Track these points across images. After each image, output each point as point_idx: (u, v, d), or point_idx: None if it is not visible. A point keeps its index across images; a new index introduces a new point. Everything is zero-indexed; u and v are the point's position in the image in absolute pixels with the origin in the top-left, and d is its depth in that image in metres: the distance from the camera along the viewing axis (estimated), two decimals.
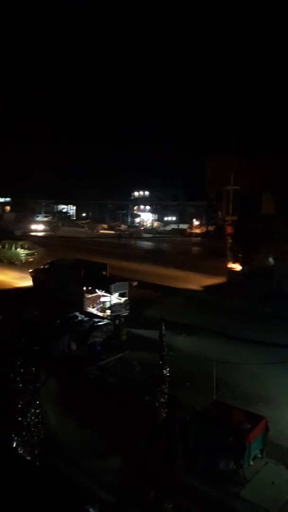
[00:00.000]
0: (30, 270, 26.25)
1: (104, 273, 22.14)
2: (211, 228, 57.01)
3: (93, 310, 19.68)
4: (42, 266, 25.46)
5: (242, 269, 26.50)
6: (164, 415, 6.97)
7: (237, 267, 26.83)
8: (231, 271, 26.75)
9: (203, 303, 23.26)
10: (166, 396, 7.25)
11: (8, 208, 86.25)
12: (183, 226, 61.90)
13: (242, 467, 9.72)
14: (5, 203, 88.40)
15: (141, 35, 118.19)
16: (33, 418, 8.52)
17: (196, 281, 27.77)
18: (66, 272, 22.45)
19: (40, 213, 77.02)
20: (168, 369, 11.09)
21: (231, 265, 26.98)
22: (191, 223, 62.94)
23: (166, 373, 11.03)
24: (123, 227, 63.21)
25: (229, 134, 41.29)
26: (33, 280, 25.40)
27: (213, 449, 9.92)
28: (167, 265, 33.30)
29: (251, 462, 9.91)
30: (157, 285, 26.36)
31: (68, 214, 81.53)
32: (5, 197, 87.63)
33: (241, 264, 26.84)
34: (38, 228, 59.60)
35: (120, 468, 7.58)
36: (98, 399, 8.59)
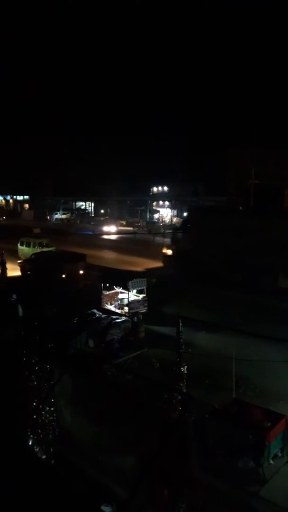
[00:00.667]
0: (19, 261, 28.58)
1: (82, 262, 26.00)
2: None
3: (111, 307, 19.65)
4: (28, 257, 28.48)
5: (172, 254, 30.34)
6: (178, 413, 6.83)
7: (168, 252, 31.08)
8: (165, 255, 31.04)
9: None
10: (180, 395, 7.10)
11: (26, 205, 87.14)
12: None
13: (261, 466, 9.53)
14: (24, 201, 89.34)
15: (162, 26, 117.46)
16: (47, 415, 8.51)
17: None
18: (47, 262, 25.69)
19: (58, 211, 77.54)
20: (186, 366, 10.97)
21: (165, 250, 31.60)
22: None
23: (184, 371, 10.91)
24: (141, 223, 63.08)
25: (250, 126, 40.80)
26: (21, 270, 27.69)
27: (232, 447, 9.76)
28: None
29: (271, 461, 9.72)
30: None
31: (87, 211, 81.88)
32: (24, 194, 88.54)
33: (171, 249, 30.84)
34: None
35: (134, 466, 7.49)
36: (114, 397, 8.50)
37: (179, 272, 26.89)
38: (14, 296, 17.61)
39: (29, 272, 26.63)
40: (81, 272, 26.11)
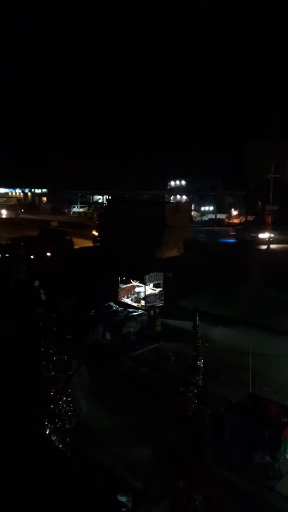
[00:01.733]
0: None
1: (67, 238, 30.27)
2: (250, 218, 55.79)
3: (128, 301, 19.70)
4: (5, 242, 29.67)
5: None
6: (194, 406, 6.82)
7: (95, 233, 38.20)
8: (93, 236, 38.48)
9: None
10: (197, 388, 7.09)
11: (44, 199, 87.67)
12: (221, 216, 60.82)
13: (277, 461, 9.49)
14: (42, 194, 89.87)
15: (182, 25, 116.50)
16: (64, 406, 8.59)
17: None
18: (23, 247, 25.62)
19: (76, 204, 77.86)
20: (202, 360, 10.94)
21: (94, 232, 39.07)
22: (229, 213, 61.75)
23: (200, 365, 10.87)
24: None
25: (270, 119, 40.14)
26: None
27: (248, 442, 9.74)
28: None
29: (287, 456, 9.64)
30: None
31: (104, 205, 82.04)
32: (42, 188, 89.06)
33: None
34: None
35: (151, 457, 7.52)
36: (130, 389, 8.55)
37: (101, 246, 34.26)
38: (37, 282, 17.94)
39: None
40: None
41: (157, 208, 33.23)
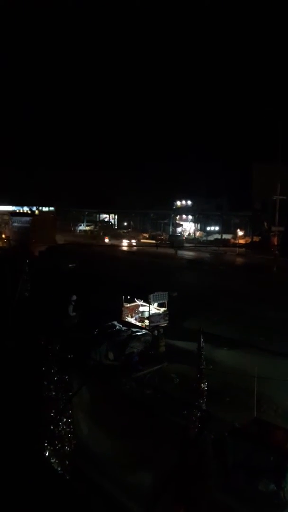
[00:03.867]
0: None
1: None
2: (256, 238, 55.79)
3: (132, 320, 19.54)
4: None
5: None
6: (197, 430, 6.66)
7: None
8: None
9: None
10: (199, 412, 6.93)
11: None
12: (227, 236, 60.93)
13: (283, 489, 9.17)
14: (49, 212, 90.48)
15: (186, 45, 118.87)
16: (65, 427, 8.43)
17: None
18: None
19: (82, 222, 78.37)
20: (206, 383, 10.77)
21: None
22: (235, 233, 61.89)
23: (204, 387, 10.71)
24: (164, 236, 63.04)
25: (276, 140, 40.48)
26: None
27: (252, 468, 9.45)
28: None
29: None
30: None
31: (110, 223, 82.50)
32: (49, 206, 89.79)
33: None
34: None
35: (152, 483, 7.32)
36: (132, 411, 8.38)
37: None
38: (74, 297, 18.53)
39: None
40: None
41: (29, 218, 52.85)
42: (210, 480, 6.82)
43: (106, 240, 55.17)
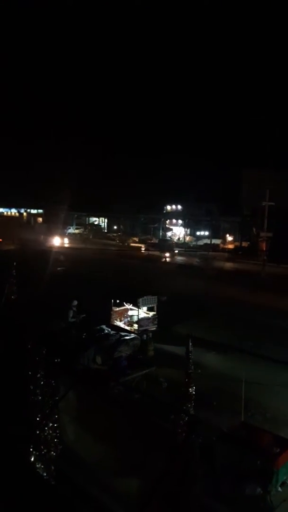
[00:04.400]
0: None
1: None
2: (245, 244, 56.11)
3: (121, 324, 19.47)
4: None
5: None
6: (185, 435, 6.61)
7: None
8: None
9: None
10: (187, 416, 6.89)
11: (40, 219, 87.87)
12: (216, 241, 61.17)
13: (269, 493, 9.20)
14: (38, 215, 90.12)
15: (180, 45, 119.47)
16: (51, 432, 8.32)
17: None
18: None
19: (71, 225, 78.02)
20: (194, 387, 10.74)
21: None
22: (224, 238, 62.17)
23: (192, 392, 10.67)
24: (154, 240, 63.10)
25: (266, 147, 40.84)
26: None
27: (240, 472, 9.45)
28: None
29: (279, 489, 9.38)
30: None
31: (100, 227, 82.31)
32: (38, 208, 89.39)
33: None
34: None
35: (139, 488, 7.24)
36: (119, 416, 8.30)
37: None
38: (75, 302, 18.28)
39: None
40: None
41: None
42: (198, 485, 6.77)
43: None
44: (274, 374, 14.31)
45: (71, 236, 71.34)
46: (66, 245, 55.72)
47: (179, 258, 48.38)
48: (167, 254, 46.99)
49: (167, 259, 45.44)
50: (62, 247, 51.72)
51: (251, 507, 8.89)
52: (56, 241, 55.47)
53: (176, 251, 52.80)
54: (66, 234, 73.60)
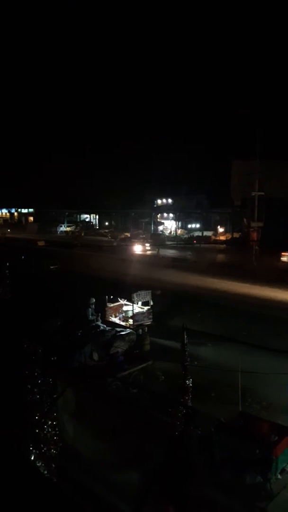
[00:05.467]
0: None
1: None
2: (236, 235, 56.26)
3: (116, 320, 19.51)
4: None
5: None
6: (183, 427, 6.68)
7: None
8: None
9: None
10: (185, 409, 6.95)
11: (31, 218, 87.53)
12: (208, 233, 61.28)
13: (269, 481, 9.30)
14: (29, 214, 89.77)
15: (170, 36, 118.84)
16: (50, 430, 8.36)
17: None
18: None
19: (63, 223, 77.79)
20: (191, 379, 10.82)
21: None
22: (215, 230, 62.29)
23: (189, 384, 10.76)
24: (145, 235, 63.06)
25: (255, 137, 40.87)
26: None
27: (239, 462, 9.54)
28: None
29: (279, 476, 9.48)
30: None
31: (91, 223, 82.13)
32: (28, 207, 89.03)
33: None
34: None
35: (139, 481, 7.32)
36: (118, 411, 8.36)
37: None
38: (93, 300, 18.56)
39: None
40: None
41: None
42: (197, 476, 6.85)
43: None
44: (269, 363, 14.39)
45: (63, 234, 71.14)
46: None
47: (171, 252, 48.43)
48: (159, 248, 46.89)
49: (160, 253, 45.38)
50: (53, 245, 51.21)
51: (252, 496, 8.99)
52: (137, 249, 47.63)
53: (168, 244, 52.81)
54: (58, 232, 73.40)
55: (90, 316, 17.87)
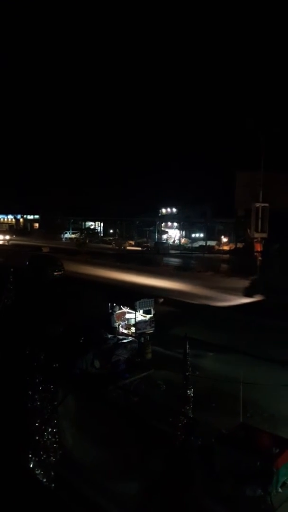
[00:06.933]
0: None
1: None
2: (240, 245, 56.22)
3: (119, 327, 19.43)
4: None
5: None
6: (183, 437, 6.63)
7: None
8: None
9: None
10: (185, 418, 6.91)
11: (36, 225, 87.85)
12: (211, 243, 61.29)
13: (270, 494, 9.20)
14: (34, 220, 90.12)
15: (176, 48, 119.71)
16: (50, 437, 8.31)
17: None
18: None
19: (68, 230, 78.07)
20: (192, 389, 10.76)
21: None
22: (219, 240, 62.29)
23: (190, 394, 10.70)
24: (149, 243, 63.15)
25: (259, 149, 40.94)
26: None
27: (239, 473, 9.45)
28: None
29: (280, 489, 9.38)
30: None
31: (96, 231, 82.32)
32: (34, 214, 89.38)
33: None
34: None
35: (139, 491, 7.25)
36: (118, 419, 8.32)
37: None
38: (116, 308, 18.91)
39: None
40: None
41: None
42: (197, 487, 6.79)
43: None
44: (270, 374, 14.35)
45: (68, 241, 71.32)
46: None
47: (174, 260, 48.39)
48: (163, 257, 46.86)
49: (163, 262, 45.35)
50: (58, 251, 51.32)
51: (252, 509, 8.89)
52: None
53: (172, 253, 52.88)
54: (63, 239, 73.59)
55: (113, 324, 18.05)
